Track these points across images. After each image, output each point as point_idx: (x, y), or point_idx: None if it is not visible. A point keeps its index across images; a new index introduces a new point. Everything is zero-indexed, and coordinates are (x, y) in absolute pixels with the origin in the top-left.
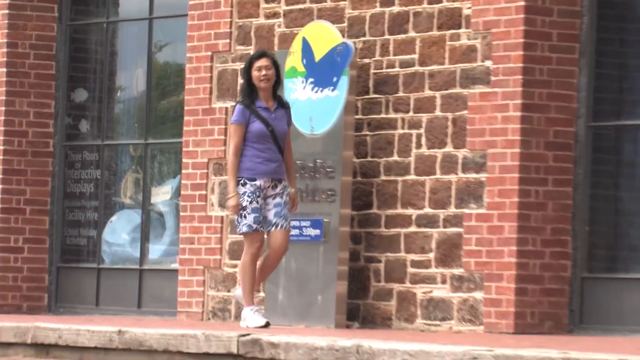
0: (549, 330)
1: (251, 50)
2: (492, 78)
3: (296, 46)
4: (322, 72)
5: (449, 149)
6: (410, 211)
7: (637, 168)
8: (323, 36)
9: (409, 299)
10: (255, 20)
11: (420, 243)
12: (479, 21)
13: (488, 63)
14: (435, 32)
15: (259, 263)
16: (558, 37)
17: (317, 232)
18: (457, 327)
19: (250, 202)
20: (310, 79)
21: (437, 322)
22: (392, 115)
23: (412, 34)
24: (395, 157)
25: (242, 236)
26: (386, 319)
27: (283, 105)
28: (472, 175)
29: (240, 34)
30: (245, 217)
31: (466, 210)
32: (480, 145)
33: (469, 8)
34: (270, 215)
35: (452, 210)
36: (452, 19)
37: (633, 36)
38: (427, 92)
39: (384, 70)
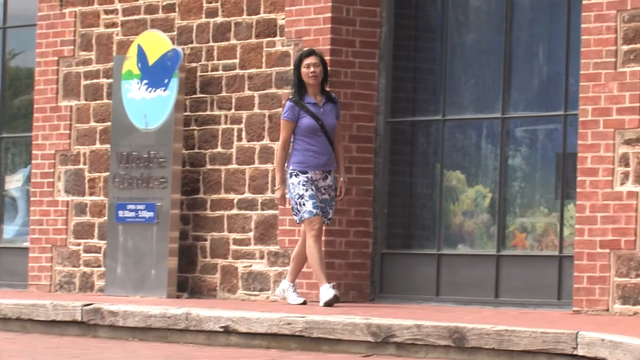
0: (353, 299)
1: (93, 55)
2: None
3: (132, 52)
4: (155, 75)
5: (266, 141)
6: (232, 196)
7: (429, 158)
8: (155, 43)
9: (232, 273)
10: (96, 29)
11: (241, 224)
12: (292, 30)
13: None
14: (253, 40)
15: (294, 253)
16: (360, 44)
17: (151, 214)
18: (273, 297)
19: (307, 190)
20: (145, 81)
21: (256, 293)
22: (216, 112)
23: (233, 41)
24: (219, 149)
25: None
26: (212, 290)
27: (331, 100)
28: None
29: (83, 41)
30: (304, 204)
31: None
32: None
33: (283, 19)
34: None
35: (268, 195)
36: (269, 29)
37: (424, 43)
38: (247, 92)
39: (209, 73)
